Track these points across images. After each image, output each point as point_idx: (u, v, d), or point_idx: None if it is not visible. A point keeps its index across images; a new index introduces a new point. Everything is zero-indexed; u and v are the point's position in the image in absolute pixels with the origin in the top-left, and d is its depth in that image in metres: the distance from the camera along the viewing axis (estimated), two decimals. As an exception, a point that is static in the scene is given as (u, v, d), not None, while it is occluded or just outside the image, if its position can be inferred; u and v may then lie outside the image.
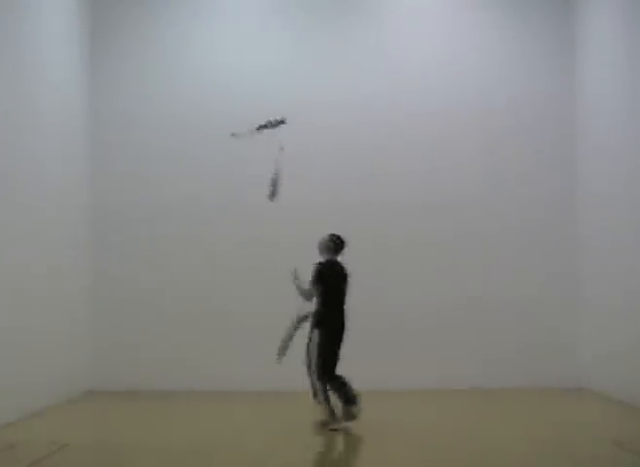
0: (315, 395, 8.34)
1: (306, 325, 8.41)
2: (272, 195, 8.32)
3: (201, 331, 10.92)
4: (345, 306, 8.19)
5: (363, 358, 10.53)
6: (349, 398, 7.91)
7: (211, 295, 10.97)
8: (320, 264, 8.17)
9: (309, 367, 8.41)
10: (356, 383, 8.03)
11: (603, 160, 10.22)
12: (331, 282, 8.09)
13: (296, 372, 8.85)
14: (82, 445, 7.37)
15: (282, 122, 8.30)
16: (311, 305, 8.19)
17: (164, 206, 11.07)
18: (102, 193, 11.06)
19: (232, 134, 8.46)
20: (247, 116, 10.89)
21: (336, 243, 8.26)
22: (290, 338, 8.43)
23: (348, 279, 8.28)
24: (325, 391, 7.99)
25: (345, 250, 8.38)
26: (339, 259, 8.33)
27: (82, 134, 10.85)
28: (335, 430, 7.87)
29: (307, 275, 8.15)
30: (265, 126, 8.29)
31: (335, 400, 8.02)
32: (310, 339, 8.28)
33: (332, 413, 7.97)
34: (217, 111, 11.07)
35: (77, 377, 10.40)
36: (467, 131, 11.09)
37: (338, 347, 8.01)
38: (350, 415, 7.92)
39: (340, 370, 8.05)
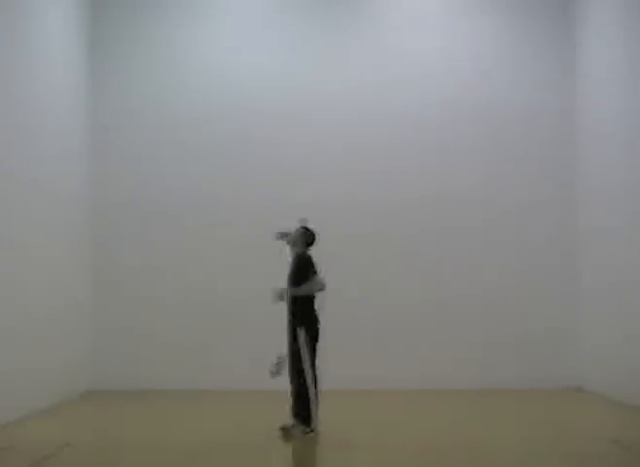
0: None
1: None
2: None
3: (201, 330, 10.93)
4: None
5: (359, 357, 10.57)
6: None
7: (211, 294, 10.98)
8: (306, 253, 7.73)
9: (299, 371, 7.71)
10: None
11: (603, 159, 10.22)
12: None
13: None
14: (82, 444, 7.37)
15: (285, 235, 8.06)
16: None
17: (165, 205, 11.08)
18: (102, 192, 11.06)
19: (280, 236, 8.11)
20: (247, 116, 11.06)
21: (310, 236, 7.83)
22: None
23: None
24: (316, 393, 7.62)
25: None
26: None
27: (82, 134, 10.84)
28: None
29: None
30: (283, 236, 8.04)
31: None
32: (295, 340, 7.72)
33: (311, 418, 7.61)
34: (218, 111, 11.09)
35: (76, 376, 10.40)
36: (466, 131, 11.10)
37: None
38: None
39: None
